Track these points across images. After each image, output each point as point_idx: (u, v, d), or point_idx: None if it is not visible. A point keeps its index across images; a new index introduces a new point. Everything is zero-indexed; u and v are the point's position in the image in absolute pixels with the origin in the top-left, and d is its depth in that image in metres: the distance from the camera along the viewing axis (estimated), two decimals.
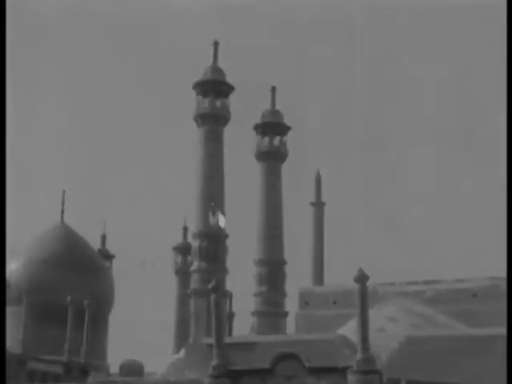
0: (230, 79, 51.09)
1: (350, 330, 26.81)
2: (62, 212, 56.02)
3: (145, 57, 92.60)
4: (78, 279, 51.57)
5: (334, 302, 33.42)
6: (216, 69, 50.84)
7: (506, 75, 26.74)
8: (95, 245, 60.65)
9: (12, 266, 52.45)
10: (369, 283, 24.08)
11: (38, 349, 42.89)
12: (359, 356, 23.75)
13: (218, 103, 50.21)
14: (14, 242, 59.65)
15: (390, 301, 30.98)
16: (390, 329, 27.21)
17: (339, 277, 50.22)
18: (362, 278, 24.10)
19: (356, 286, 24.12)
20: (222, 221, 46.84)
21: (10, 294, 41.65)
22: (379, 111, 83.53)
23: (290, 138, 56.18)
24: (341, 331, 28.04)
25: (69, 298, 41.91)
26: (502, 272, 26.99)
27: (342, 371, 24.33)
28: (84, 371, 41.62)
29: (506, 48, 27.00)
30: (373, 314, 24.85)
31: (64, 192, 55.82)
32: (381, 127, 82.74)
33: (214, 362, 26.34)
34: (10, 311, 40.58)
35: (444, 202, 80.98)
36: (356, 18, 77.31)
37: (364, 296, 23.83)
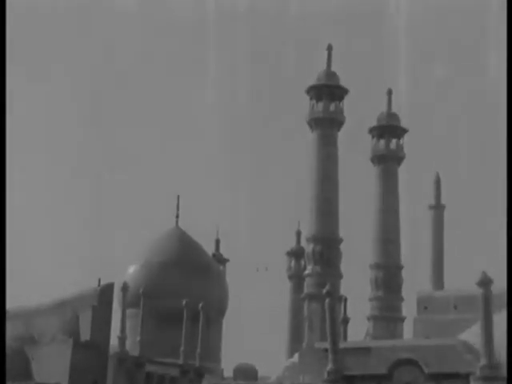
0: (344, 83, 50.62)
1: (472, 335, 25.86)
2: (177, 216, 56.66)
3: (258, 62, 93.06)
4: (192, 283, 52.01)
5: (455, 307, 32.38)
6: (330, 73, 50.46)
7: (506, 75, 25.68)
8: (209, 249, 61.16)
9: (130, 269, 53.47)
10: (493, 287, 23.17)
11: (155, 351, 43.38)
12: (483, 362, 22.89)
13: (332, 107, 49.79)
14: (132, 247, 60.89)
15: None
16: None
17: (460, 281, 48.75)
18: (485, 282, 23.27)
19: (479, 291, 23.25)
20: None
21: (128, 296, 42.26)
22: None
23: (406, 140, 55.14)
24: (462, 336, 27.10)
25: (184, 302, 42.24)
26: None
27: (464, 377, 23.54)
28: (199, 374, 41.90)
29: (506, 48, 25.94)
30: (498, 319, 23.90)
31: (179, 197, 56.46)
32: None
33: (329, 366, 25.97)
34: (128, 313, 41.23)
35: None
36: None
37: (488, 300, 22.97)
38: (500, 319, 23.81)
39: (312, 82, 50.40)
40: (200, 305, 42.50)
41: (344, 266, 47.48)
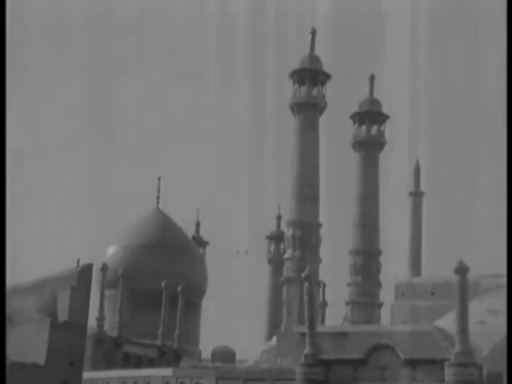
0: (327, 68, 50.56)
1: (448, 321, 26.10)
2: (158, 198, 56.65)
3: (240, 45, 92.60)
4: (172, 265, 52.10)
5: (432, 293, 32.63)
6: (313, 57, 50.38)
7: (506, 75, 25.87)
8: (189, 232, 61.17)
9: (109, 251, 53.46)
10: (470, 274, 23.37)
11: (133, 332, 43.47)
12: (457, 348, 23.10)
13: (315, 92, 49.77)
14: (112, 227, 60.76)
15: (492, 293, 29.95)
16: (491, 322, 26.31)
17: (438, 268, 49.14)
18: (462, 270, 23.45)
19: (456, 278, 23.44)
20: None
21: (107, 277, 42.22)
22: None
23: (387, 126, 55.23)
24: (439, 323, 27.35)
25: (163, 283, 42.31)
26: None
27: (439, 363, 23.71)
28: (177, 356, 42.07)
29: (506, 48, 26.11)
30: (473, 306, 24.14)
31: (160, 178, 56.39)
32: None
33: (307, 350, 26.10)
34: (106, 295, 41.24)
35: None
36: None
37: (464, 288, 23.15)
38: (475, 306, 24.07)
39: (295, 66, 50.31)
40: (179, 287, 42.60)
41: (323, 251, 47.70)
